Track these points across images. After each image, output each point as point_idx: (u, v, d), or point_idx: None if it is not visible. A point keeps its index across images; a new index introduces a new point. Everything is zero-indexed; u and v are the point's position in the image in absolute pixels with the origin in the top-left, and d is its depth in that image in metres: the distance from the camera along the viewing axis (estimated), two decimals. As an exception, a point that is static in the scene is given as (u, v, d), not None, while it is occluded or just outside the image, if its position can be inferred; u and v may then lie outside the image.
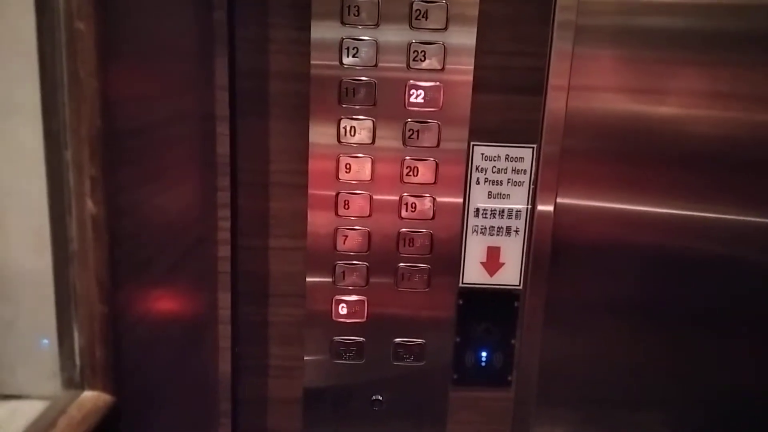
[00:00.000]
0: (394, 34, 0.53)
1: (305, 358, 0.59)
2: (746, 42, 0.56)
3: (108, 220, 0.29)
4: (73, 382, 0.30)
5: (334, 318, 0.58)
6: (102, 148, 0.28)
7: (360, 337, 0.59)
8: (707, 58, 0.56)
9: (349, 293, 0.58)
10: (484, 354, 0.60)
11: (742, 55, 0.56)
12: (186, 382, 0.49)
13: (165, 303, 0.42)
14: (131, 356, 0.34)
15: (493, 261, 0.59)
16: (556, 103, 0.55)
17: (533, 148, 0.56)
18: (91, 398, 0.30)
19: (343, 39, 0.52)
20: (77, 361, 0.30)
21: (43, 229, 0.29)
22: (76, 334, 0.30)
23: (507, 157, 0.57)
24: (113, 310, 0.30)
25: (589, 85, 0.56)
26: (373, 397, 0.60)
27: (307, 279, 0.57)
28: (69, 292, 0.29)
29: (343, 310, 0.58)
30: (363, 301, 0.58)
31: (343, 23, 0.52)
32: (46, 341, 0.32)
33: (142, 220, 0.37)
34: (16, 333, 0.30)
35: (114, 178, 0.30)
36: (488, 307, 0.59)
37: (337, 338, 0.59)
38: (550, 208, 0.57)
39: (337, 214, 0.56)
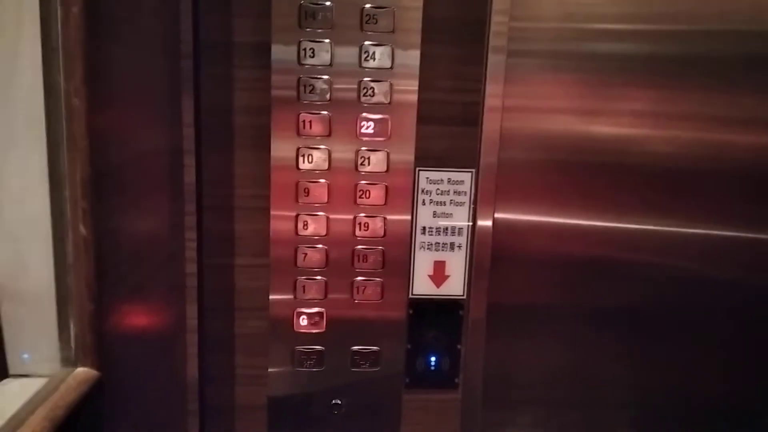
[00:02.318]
0: (346, 74, 0.59)
1: (269, 367, 0.64)
2: (668, 64, 0.63)
3: (95, 241, 0.37)
4: (69, 362, 0.38)
5: (295, 329, 0.63)
6: (90, 188, 0.36)
7: (320, 346, 0.64)
8: (631, 79, 0.63)
9: (309, 306, 0.63)
10: (433, 359, 0.66)
11: (664, 77, 0.63)
12: (158, 374, 0.55)
13: (141, 307, 0.49)
14: (113, 344, 0.41)
15: (439, 274, 0.65)
16: (491, 124, 0.62)
17: (472, 172, 0.63)
18: (83, 372, 0.38)
19: (300, 77, 0.59)
20: (72, 345, 0.38)
21: (47, 248, 0.37)
22: (71, 325, 0.38)
23: (449, 180, 0.63)
24: (99, 308, 0.38)
25: (521, 106, 0.63)
26: (333, 402, 0.65)
27: (270, 293, 0.63)
28: (66, 294, 0.37)
29: (303, 321, 0.64)
30: (322, 312, 0.63)
31: (300, 63, 0.58)
32: (26, 356, 0.39)
33: (122, 240, 0.44)
34: (27, 326, 0.38)
35: (99, 208, 0.38)
36: (436, 316, 0.65)
37: (298, 348, 0.64)
38: (489, 223, 0.64)
39: (296, 233, 0.62)
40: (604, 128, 0.64)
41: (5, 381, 0.38)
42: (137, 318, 0.48)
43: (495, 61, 0.61)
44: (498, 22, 0.60)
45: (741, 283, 0.69)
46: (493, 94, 0.61)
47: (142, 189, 0.48)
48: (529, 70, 0.62)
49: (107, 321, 0.40)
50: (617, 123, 0.64)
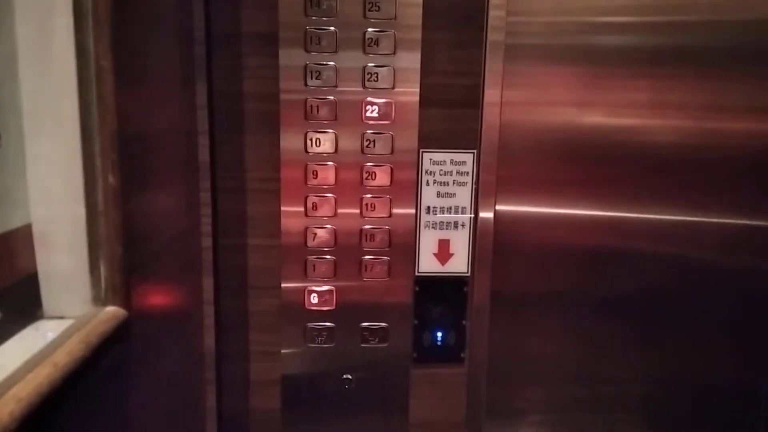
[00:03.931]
0: (351, 60, 0.62)
1: (282, 343, 0.67)
2: (663, 55, 0.65)
3: (122, 191, 0.40)
4: (100, 301, 0.42)
5: (306, 307, 0.66)
6: (117, 141, 0.40)
7: (330, 323, 0.67)
8: (628, 72, 0.65)
9: (320, 284, 0.66)
10: (439, 334, 0.68)
11: (661, 68, 0.65)
12: (178, 338, 0.59)
13: (160, 274, 0.52)
14: (138, 280, 0.45)
15: (444, 252, 0.67)
16: (491, 118, 0.64)
17: (473, 153, 0.65)
18: (113, 311, 0.42)
19: (307, 64, 0.61)
20: (102, 286, 0.42)
21: (80, 197, 0.41)
22: (102, 267, 0.42)
23: (452, 161, 0.66)
24: (126, 252, 0.42)
25: (519, 99, 0.65)
26: (344, 377, 0.68)
27: (282, 272, 0.65)
28: (97, 238, 0.41)
29: (314, 299, 0.66)
30: (332, 290, 0.66)
31: (306, 51, 0.61)
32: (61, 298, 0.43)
33: (148, 194, 0.47)
34: (61, 270, 0.41)
35: (125, 166, 0.41)
36: (441, 293, 0.68)
37: (309, 325, 0.67)
38: (491, 203, 0.66)
39: (306, 214, 0.64)
40: (604, 118, 0.66)
41: (41, 321, 0.41)
42: (159, 280, 0.51)
43: (493, 55, 0.63)
44: (496, 4, 0.62)
45: (747, 271, 0.70)
46: (493, 75, 0.63)
47: (161, 159, 0.52)
48: (527, 63, 0.64)
49: (133, 265, 0.44)
50: (618, 113, 0.66)
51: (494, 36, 0.63)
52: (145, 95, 0.47)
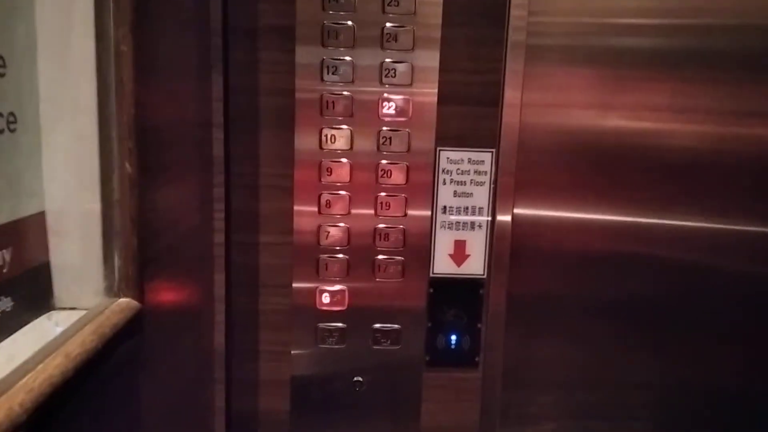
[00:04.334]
0: (368, 55, 0.61)
1: (292, 343, 0.66)
2: (685, 58, 0.64)
3: (138, 180, 0.39)
4: (112, 293, 0.41)
5: (318, 306, 0.65)
6: (135, 128, 0.39)
7: (342, 323, 0.65)
8: (651, 74, 0.64)
9: (332, 284, 0.65)
10: (453, 337, 0.67)
11: (683, 71, 0.64)
12: (189, 334, 0.57)
13: (173, 269, 0.51)
14: (151, 275, 0.44)
15: (459, 253, 0.66)
16: (510, 118, 0.63)
17: (492, 152, 0.64)
18: (126, 302, 0.41)
19: (323, 59, 0.61)
20: (116, 277, 0.40)
21: (95, 185, 0.40)
22: (116, 258, 0.40)
23: (469, 160, 0.64)
24: (141, 243, 0.41)
25: (540, 101, 0.64)
26: (355, 379, 0.67)
27: (294, 271, 0.64)
28: (111, 228, 0.40)
29: (326, 299, 0.65)
30: (344, 290, 0.65)
31: (323, 46, 0.60)
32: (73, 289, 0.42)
33: (162, 187, 0.46)
34: (74, 260, 0.40)
35: (141, 156, 0.40)
36: (456, 295, 0.66)
37: (321, 325, 0.65)
38: (510, 204, 0.65)
39: (320, 212, 0.63)
40: (626, 121, 0.65)
41: (53, 312, 0.40)
42: (171, 275, 0.50)
43: (513, 55, 0.62)
44: (518, 3, 0.61)
45: (763, 277, 0.68)
46: (513, 75, 0.62)
47: (176, 150, 0.51)
48: (548, 64, 0.63)
49: (147, 257, 0.42)
50: (642, 116, 0.65)
51: (516, 36, 0.62)
52: (162, 85, 0.46)
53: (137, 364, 0.42)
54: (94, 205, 0.39)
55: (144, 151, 0.40)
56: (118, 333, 0.36)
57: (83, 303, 0.40)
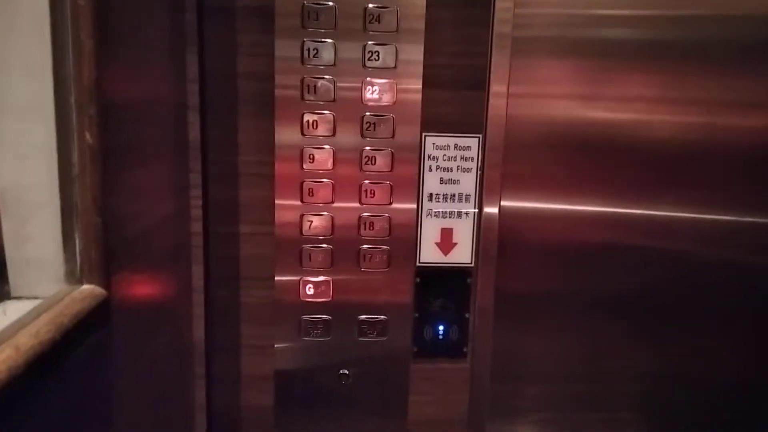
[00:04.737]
0: (351, 37, 0.59)
1: (275, 336, 0.64)
2: (671, 49, 0.62)
3: (101, 152, 0.36)
4: (74, 278, 0.37)
5: (301, 298, 0.63)
6: (97, 94, 0.35)
7: (326, 315, 0.63)
8: (638, 65, 0.62)
9: (315, 274, 0.63)
10: (441, 328, 0.65)
11: (670, 62, 0.63)
12: (166, 326, 0.54)
13: (148, 246, 0.49)
14: (120, 263, 0.41)
15: (446, 241, 0.64)
16: (497, 110, 0.61)
17: (479, 137, 0.62)
18: (89, 289, 0.37)
19: (304, 41, 0.58)
20: (78, 260, 0.37)
21: (51, 159, 0.36)
22: (77, 240, 0.37)
23: (456, 146, 0.62)
24: (105, 222, 0.37)
25: (526, 92, 0.62)
26: (340, 372, 0.65)
27: (276, 262, 0.62)
28: (71, 206, 0.36)
29: (310, 290, 0.63)
30: (328, 281, 0.63)
31: (303, 27, 0.58)
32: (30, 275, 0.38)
33: (131, 168, 0.43)
34: (30, 243, 0.37)
35: (106, 130, 0.36)
36: (443, 284, 0.65)
37: (305, 317, 0.63)
38: (497, 196, 0.63)
39: (302, 201, 0.61)
40: (614, 113, 0.64)
41: (7, 302, 0.37)
42: (144, 264, 0.48)
43: (499, 46, 0.60)
44: None
45: (753, 269, 0.67)
46: (499, 66, 0.60)
47: (148, 134, 0.48)
48: (534, 56, 0.61)
49: (114, 237, 0.39)
50: (630, 108, 0.64)
51: (501, 28, 0.60)
52: (129, 54, 0.43)
53: (107, 359, 0.39)
54: (51, 181, 0.35)
55: (110, 125, 0.37)
56: (80, 323, 0.33)
57: (42, 291, 0.37)
